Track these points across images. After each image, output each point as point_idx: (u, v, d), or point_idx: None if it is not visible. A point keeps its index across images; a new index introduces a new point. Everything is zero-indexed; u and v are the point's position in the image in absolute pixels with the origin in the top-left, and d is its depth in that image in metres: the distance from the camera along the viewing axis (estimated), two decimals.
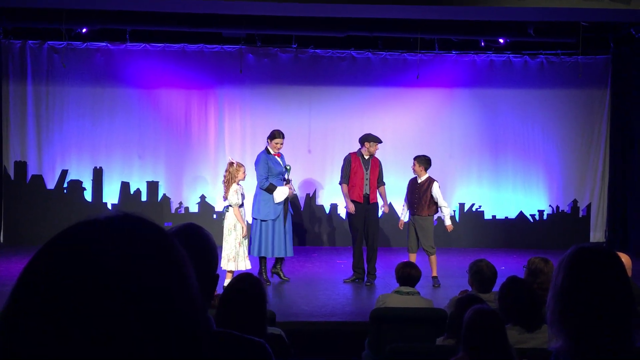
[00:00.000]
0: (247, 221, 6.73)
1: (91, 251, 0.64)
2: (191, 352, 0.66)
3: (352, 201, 7.11)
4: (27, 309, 0.62)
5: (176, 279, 0.66)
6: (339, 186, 7.33)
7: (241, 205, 6.55)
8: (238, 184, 6.53)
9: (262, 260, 6.84)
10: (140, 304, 0.62)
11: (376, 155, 7.26)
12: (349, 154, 7.30)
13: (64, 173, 9.80)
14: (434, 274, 7.10)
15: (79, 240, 0.65)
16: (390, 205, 7.73)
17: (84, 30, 9.43)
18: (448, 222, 7.19)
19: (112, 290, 0.62)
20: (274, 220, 6.75)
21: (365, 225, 7.08)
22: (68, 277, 0.62)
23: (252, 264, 6.61)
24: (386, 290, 5.85)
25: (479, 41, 10.04)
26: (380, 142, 7.19)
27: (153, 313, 0.63)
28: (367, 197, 7.07)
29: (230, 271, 6.33)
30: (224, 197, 6.63)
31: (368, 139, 7.14)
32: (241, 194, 6.55)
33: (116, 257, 0.64)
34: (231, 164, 6.60)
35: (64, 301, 0.61)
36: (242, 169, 6.57)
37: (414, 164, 7.19)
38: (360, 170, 7.10)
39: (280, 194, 6.71)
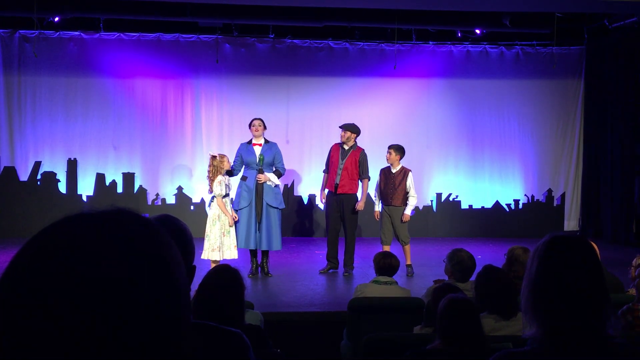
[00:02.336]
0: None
1: (83, 248, 0.62)
2: (177, 346, 0.65)
3: (328, 191, 7.15)
4: (14, 304, 0.60)
5: (168, 275, 0.66)
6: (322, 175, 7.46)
7: (226, 196, 6.50)
8: (223, 175, 6.51)
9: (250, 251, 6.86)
10: (131, 299, 0.61)
11: (362, 147, 7.27)
12: (334, 144, 7.35)
13: (37, 164, 9.63)
14: (408, 262, 7.12)
15: (70, 236, 0.64)
16: (368, 195, 7.67)
17: (56, 19, 9.24)
18: (408, 212, 7.11)
19: (105, 288, 0.61)
20: (236, 210, 6.72)
21: (342, 216, 7.10)
22: (58, 273, 0.61)
23: (239, 254, 6.62)
24: (364, 280, 5.88)
25: (456, 32, 10.10)
26: (342, 126, 7.18)
27: (143, 308, 0.62)
28: (336, 187, 7.06)
29: (216, 261, 6.34)
30: (209, 190, 6.60)
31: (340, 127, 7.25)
32: (226, 184, 6.50)
33: (109, 253, 0.62)
34: (214, 157, 6.55)
35: (52, 297, 0.60)
36: (225, 159, 6.53)
37: (390, 153, 7.14)
38: (336, 159, 7.11)
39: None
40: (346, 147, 7.13)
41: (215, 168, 6.49)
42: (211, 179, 6.49)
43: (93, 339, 0.59)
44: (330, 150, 7.26)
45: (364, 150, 7.21)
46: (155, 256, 0.65)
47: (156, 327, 0.63)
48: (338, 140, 7.28)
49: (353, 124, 7.24)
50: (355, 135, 7.14)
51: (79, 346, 0.59)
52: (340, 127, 7.24)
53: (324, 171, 7.33)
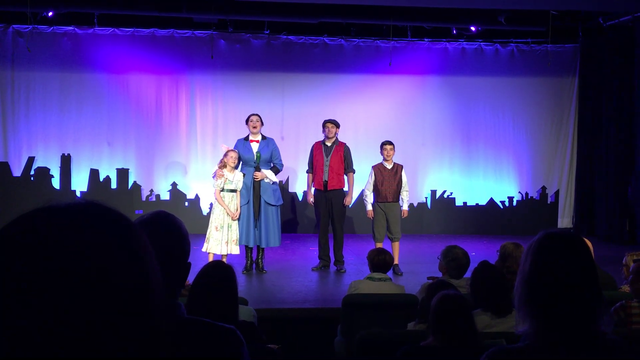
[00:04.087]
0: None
1: (45, 239, 0.62)
2: (152, 340, 0.65)
3: (315, 189, 7.11)
4: None
5: (135, 269, 0.65)
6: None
7: (231, 191, 6.48)
8: (232, 170, 6.49)
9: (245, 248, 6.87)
10: (98, 291, 0.61)
11: (345, 142, 7.23)
12: (314, 142, 7.29)
13: (31, 160, 9.60)
14: (396, 261, 6.96)
15: (34, 228, 0.63)
16: (360, 194, 7.63)
17: (50, 13, 9.19)
18: (406, 207, 7.16)
19: (65, 278, 0.60)
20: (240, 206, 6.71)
21: (330, 213, 7.08)
22: (18, 265, 0.60)
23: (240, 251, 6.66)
24: (358, 276, 5.89)
25: (451, 29, 10.10)
26: (329, 121, 7.08)
27: (106, 303, 0.61)
28: (326, 184, 7.03)
29: (210, 254, 6.37)
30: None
31: (323, 123, 7.15)
32: (230, 180, 6.47)
33: (71, 245, 0.62)
34: (225, 154, 6.57)
35: (13, 289, 0.59)
36: (230, 154, 6.51)
37: (391, 149, 7.06)
38: (321, 157, 7.05)
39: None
40: (329, 144, 7.08)
41: (223, 163, 6.51)
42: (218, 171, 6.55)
43: (54, 331, 0.59)
44: (312, 150, 7.19)
45: (346, 144, 7.17)
46: (122, 248, 0.65)
47: (124, 320, 0.62)
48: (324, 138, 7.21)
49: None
50: (338, 129, 7.13)
51: (42, 338, 0.59)
52: (328, 122, 7.09)
53: (307, 171, 7.27)
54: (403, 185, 7.08)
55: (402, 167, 7.14)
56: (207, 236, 6.47)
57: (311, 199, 7.19)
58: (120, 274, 0.63)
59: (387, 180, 7.04)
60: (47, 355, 0.59)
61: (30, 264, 0.60)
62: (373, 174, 7.12)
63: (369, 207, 7.12)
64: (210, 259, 6.23)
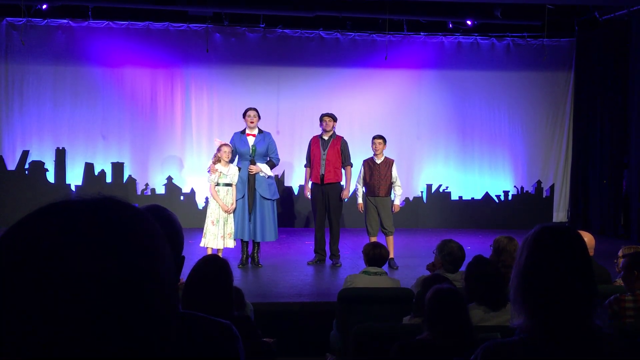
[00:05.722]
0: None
1: (65, 237, 0.61)
2: (162, 339, 0.65)
3: (313, 183, 7.11)
4: None
5: (153, 267, 0.64)
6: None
7: (226, 185, 6.47)
8: (227, 164, 6.47)
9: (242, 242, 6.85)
10: (115, 290, 0.60)
11: (343, 135, 7.23)
12: (312, 137, 7.28)
13: (25, 154, 9.56)
14: (391, 255, 7.00)
15: (48, 227, 0.62)
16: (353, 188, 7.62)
17: (44, 6, 9.14)
18: (398, 202, 7.16)
19: (86, 279, 0.59)
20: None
21: (327, 206, 7.08)
22: (40, 263, 0.60)
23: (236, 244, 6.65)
24: (354, 270, 5.89)
25: (447, 23, 10.09)
26: (327, 114, 7.08)
27: (124, 300, 0.61)
28: (322, 178, 7.03)
29: (209, 247, 6.39)
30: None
31: (320, 117, 7.15)
32: (224, 174, 6.46)
33: (93, 243, 0.61)
34: (218, 149, 6.55)
35: (32, 287, 0.59)
36: (223, 149, 6.49)
37: (380, 143, 7.07)
38: (318, 151, 7.05)
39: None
40: (326, 138, 7.08)
41: (216, 157, 6.49)
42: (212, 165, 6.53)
43: (76, 328, 0.58)
44: (310, 144, 7.20)
45: (343, 137, 7.17)
46: (140, 246, 0.64)
47: (139, 317, 0.62)
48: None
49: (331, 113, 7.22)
50: (335, 123, 7.12)
51: (64, 337, 0.58)
52: (325, 115, 7.08)
53: (305, 165, 7.28)
54: (393, 180, 7.08)
55: (393, 161, 7.14)
56: (204, 231, 6.48)
57: (308, 193, 7.21)
58: (135, 273, 0.62)
59: (376, 174, 7.05)
60: (64, 355, 0.58)
61: (47, 262, 0.59)
62: (362, 168, 7.18)
63: (359, 201, 7.22)
64: (209, 253, 6.23)
